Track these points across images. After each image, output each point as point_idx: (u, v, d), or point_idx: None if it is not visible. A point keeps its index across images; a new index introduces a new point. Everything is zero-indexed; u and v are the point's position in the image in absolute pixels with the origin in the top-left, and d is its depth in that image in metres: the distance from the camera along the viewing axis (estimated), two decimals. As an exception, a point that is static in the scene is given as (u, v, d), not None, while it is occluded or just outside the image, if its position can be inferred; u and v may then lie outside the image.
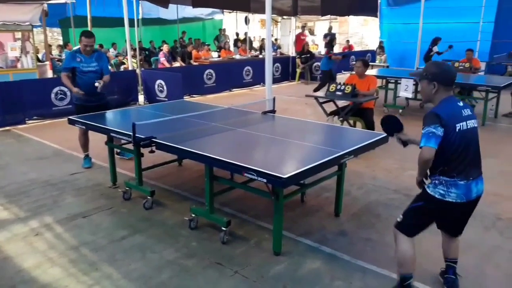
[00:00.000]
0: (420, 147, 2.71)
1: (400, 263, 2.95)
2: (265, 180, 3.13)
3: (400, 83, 9.00)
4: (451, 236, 3.12)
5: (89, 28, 10.29)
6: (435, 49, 13.11)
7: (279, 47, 18.76)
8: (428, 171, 2.84)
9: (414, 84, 9.00)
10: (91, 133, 5.02)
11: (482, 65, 11.97)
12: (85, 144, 5.79)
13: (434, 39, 12.99)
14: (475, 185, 2.81)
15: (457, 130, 2.70)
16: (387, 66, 14.90)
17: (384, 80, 10.42)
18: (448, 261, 3.16)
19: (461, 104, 2.83)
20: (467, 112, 2.80)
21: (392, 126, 3.31)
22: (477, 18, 15.04)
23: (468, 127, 2.77)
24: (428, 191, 2.83)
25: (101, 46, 14.39)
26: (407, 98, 9.53)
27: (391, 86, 10.02)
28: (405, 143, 3.29)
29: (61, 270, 3.38)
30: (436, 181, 2.79)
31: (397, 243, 2.96)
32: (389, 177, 5.48)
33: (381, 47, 16.57)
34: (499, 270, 3.43)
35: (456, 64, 10.43)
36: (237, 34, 20.17)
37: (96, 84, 5.39)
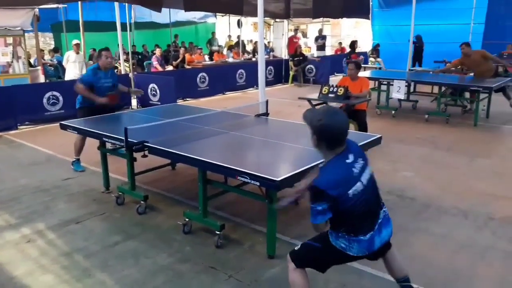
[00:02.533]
0: (312, 222, 2.47)
1: None
2: (258, 183, 3.13)
3: (392, 85, 9.05)
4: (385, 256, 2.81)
5: (81, 33, 10.28)
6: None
7: (272, 50, 18.78)
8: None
9: (406, 86, 9.05)
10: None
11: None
12: (80, 149, 5.83)
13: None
14: (378, 235, 2.55)
15: (350, 196, 2.40)
16: (379, 68, 15.00)
17: (376, 82, 10.46)
18: (400, 282, 2.87)
19: (350, 160, 2.47)
20: (357, 167, 2.48)
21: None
22: (467, 20, 15.19)
23: (364, 183, 2.48)
24: (330, 239, 2.58)
25: (93, 50, 14.34)
26: (399, 100, 9.58)
27: (383, 87, 10.07)
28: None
29: (53, 277, 3.35)
30: (339, 234, 2.54)
31: (289, 271, 2.74)
32: (382, 178, 5.47)
33: (376, 50, 16.65)
34: (491, 270, 3.44)
35: (448, 65, 10.53)
36: (229, 37, 20.18)
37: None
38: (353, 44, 12.56)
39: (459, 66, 9.94)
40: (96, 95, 5.74)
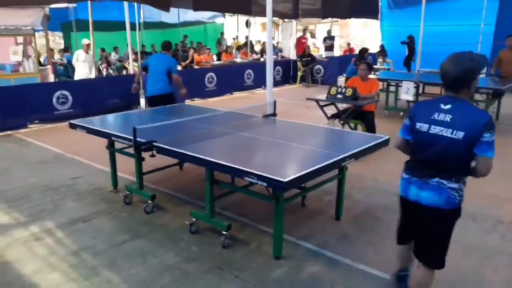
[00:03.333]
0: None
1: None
2: (265, 184, 3.13)
3: (401, 86, 8.99)
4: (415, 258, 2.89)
5: (90, 32, 10.34)
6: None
7: (280, 50, 18.77)
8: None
9: (415, 87, 8.98)
10: (92, 138, 5.03)
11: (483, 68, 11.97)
12: None
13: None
14: (416, 187, 2.70)
15: (416, 127, 2.66)
16: (388, 69, 14.90)
17: (385, 83, 10.41)
18: (403, 271, 3.09)
19: (446, 107, 2.56)
20: (442, 117, 2.54)
21: None
22: (478, 21, 15.04)
23: (431, 131, 2.57)
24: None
25: (102, 50, 14.43)
26: (408, 101, 9.52)
27: (392, 89, 10.02)
28: None
29: (61, 275, 3.38)
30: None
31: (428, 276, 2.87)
32: (390, 180, 5.46)
33: (383, 50, 16.55)
34: (499, 274, 3.42)
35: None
36: (237, 37, 20.19)
37: None
38: (363, 53, 12.43)
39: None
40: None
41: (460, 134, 2.46)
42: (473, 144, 2.45)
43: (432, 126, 2.57)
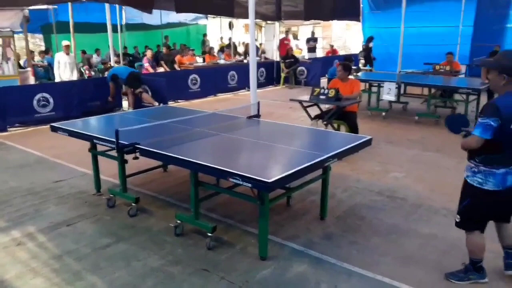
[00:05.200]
0: (472, 134, 2.89)
1: (470, 251, 3.26)
2: (250, 185, 3.14)
3: (383, 87, 9.11)
4: (502, 223, 3.27)
5: (71, 34, 10.20)
6: (371, 45, 15.04)
7: (263, 52, 18.81)
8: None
9: (396, 87, 9.12)
10: (74, 141, 4.96)
11: (463, 68, 12.20)
12: None
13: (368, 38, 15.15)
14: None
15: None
16: (370, 70, 15.10)
17: (367, 84, 10.53)
18: (506, 248, 3.34)
19: None
20: None
21: (458, 124, 3.28)
22: (456, 22, 15.33)
23: None
24: (468, 181, 3.09)
25: (84, 52, 14.26)
26: (390, 101, 9.65)
27: (374, 89, 10.13)
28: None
29: (44, 280, 3.33)
30: (476, 169, 3.02)
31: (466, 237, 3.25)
32: (373, 179, 5.54)
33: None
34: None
35: (437, 67, 10.63)
36: (221, 39, 20.18)
37: None
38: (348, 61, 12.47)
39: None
40: None
41: None
42: None
43: None
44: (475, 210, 3.13)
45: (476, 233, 3.19)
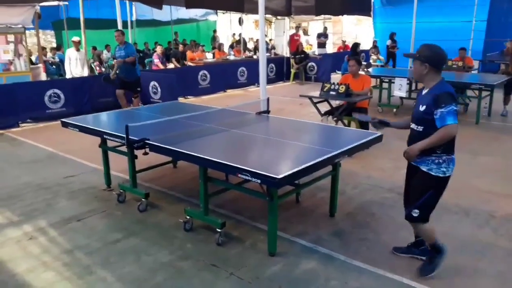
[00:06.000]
0: (447, 124, 2.89)
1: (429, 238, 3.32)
2: (259, 181, 3.13)
3: (394, 83, 9.02)
4: None
5: (82, 30, 10.26)
6: (389, 42, 14.87)
7: (273, 47, 18.76)
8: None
9: (408, 83, 9.02)
10: (85, 136, 5.00)
11: (475, 64, 12.04)
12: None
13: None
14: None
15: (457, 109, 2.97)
16: (381, 66, 14.97)
17: (378, 80, 10.45)
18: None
19: None
20: None
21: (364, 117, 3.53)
22: (469, 17, 15.13)
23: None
24: (432, 174, 3.08)
25: (94, 48, 14.35)
26: (401, 97, 9.56)
27: (385, 85, 10.05)
28: (385, 123, 3.59)
29: (55, 274, 3.36)
30: (440, 160, 3.06)
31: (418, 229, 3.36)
32: (383, 176, 5.49)
33: (375, 46, 16.61)
34: (493, 268, 3.44)
35: (450, 63, 10.49)
36: (233, 35, 20.16)
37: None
38: (355, 47, 12.45)
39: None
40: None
41: None
42: None
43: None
44: (436, 199, 3.19)
45: (430, 221, 3.26)
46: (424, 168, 3.11)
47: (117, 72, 8.59)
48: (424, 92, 3.17)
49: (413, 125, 3.20)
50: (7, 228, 4.13)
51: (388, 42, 15.63)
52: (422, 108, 3.06)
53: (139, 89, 8.92)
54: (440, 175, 3.07)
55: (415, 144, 3.07)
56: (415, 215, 3.20)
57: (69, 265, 3.48)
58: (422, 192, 3.15)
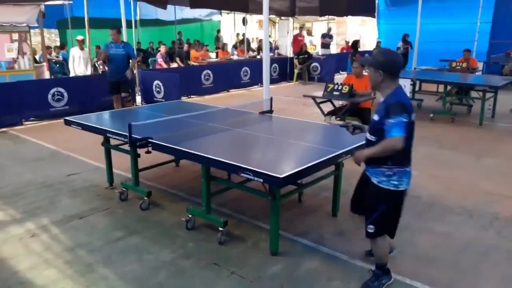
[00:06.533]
0: (392, 136, 2.69)
1: (380, 257, 3.16)
2: (261, 180, 3.12)
3: (397, 83, 8.97)
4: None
5: (86, 30, 10.28)
6: (400, 44, 14.68)
7: (277, 47, 18.75)
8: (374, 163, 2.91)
9: (411, 84, 8.99)
10: (87, 135, 5.00)
11: (480, 65, 11.99)
12: None
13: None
14: (410, 174, 2.94)
15: (412, 120, 2.80)
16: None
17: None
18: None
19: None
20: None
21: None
22: (474, 19, 15.06)
23: (413, 118, 2.84)
24: (383, 187, 2.89)
25: (98, 47, 14.36)
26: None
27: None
28: (359, 128, 3.30)
29: (57, 271, 3.36)
30: (391, 173, 2.85)
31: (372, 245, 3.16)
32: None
33: (379, 47, 16.58)
34: (496, 270, 3.42)
35: (454, 64, 10.46)
36: (238, 35, 20.16)
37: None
38: (355, 44, 12.46)
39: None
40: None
41: None
42: None
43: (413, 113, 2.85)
44: (391, 214, 2.97)
45: (385, 237, 3.06)
46: (374, 180, 2.93)
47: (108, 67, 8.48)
48: (380, 100, 2.96)
49: (367, 135, 3.00)
50: (9, 226, 4.14)
51: (400, 44, 15.27)
52: (376, 117, 2.88)
53: (130, 90, 8.77)
54: (391, 188, 2.85)
55: (364, 150, 2.94)
56: (370, 231, 2.99)
57: (71, 263, 3.48)
58: (375, 206, 2.95)
